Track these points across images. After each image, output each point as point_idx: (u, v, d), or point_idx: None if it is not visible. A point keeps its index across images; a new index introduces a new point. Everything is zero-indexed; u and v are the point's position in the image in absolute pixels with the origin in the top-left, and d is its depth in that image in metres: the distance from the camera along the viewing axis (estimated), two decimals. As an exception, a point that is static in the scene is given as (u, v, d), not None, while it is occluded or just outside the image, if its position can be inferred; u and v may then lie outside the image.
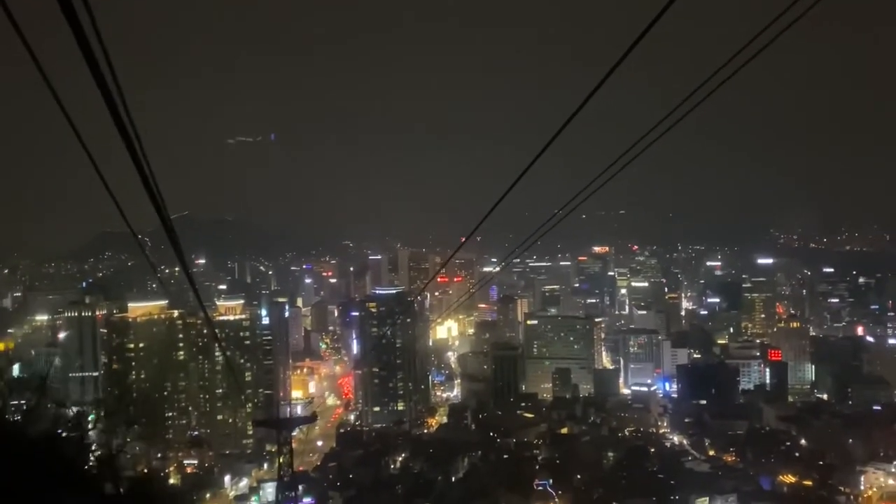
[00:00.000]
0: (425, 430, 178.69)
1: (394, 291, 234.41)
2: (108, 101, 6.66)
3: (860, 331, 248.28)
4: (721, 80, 9.93)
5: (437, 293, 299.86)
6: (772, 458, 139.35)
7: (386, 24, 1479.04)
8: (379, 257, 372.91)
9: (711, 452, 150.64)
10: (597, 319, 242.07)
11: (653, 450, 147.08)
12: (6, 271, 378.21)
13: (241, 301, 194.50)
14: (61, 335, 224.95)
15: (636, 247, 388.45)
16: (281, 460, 49.38)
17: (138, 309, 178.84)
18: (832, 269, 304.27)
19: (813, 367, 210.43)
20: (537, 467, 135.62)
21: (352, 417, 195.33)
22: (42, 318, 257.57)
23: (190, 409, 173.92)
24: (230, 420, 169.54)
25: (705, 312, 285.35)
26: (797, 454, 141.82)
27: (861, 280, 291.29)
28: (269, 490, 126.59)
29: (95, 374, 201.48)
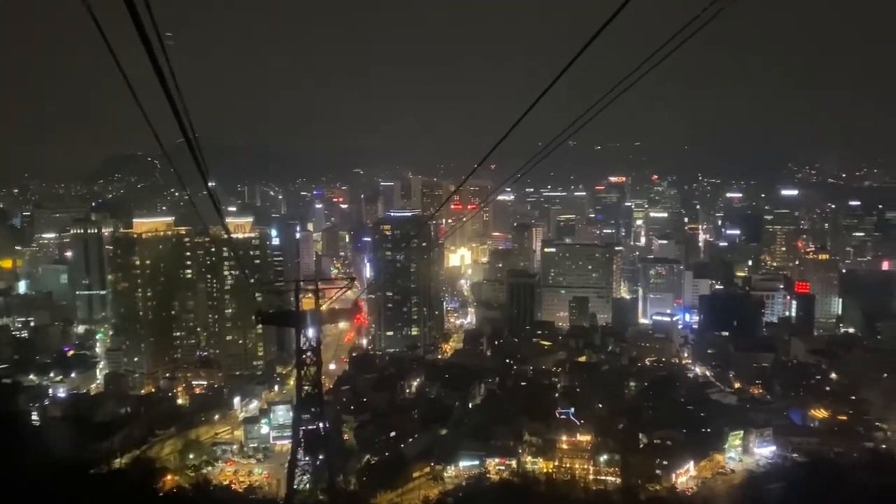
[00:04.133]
0: (440, 356, 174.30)
1: (409, 214, 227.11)
2: (136, 21, 6.94)
3: (886, 265, 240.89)
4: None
5: (450, 220, 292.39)
6: (801, 392, 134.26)
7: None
8: (391, 184, 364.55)
9: (737, 385, 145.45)
10: (616, 248, 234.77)
11: (676, 381, 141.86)
12: (16, 191, 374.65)
13: (251, 219, 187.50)
14: (68, 253, 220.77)
15: (656, 176, 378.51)
16: (304, 372, 38.05)
17: (143, 226, 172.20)
18: (858, 203, 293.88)
19: (840, 300, 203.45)
20: (557, 395, 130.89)
21: (364, 342, 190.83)
22: (49, 235, 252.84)
23: (199, 329, 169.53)
24: (240, 341, 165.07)
25: (725, 244, 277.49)
26: (828, 388, 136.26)
27: (888, 215, 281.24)
28: (280, 413, 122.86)
29: (103, 292, 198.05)
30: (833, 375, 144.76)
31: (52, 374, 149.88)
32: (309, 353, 37.17)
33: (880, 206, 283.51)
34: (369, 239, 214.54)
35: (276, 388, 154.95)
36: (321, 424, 38.96)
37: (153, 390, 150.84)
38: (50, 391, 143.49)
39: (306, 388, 37.44)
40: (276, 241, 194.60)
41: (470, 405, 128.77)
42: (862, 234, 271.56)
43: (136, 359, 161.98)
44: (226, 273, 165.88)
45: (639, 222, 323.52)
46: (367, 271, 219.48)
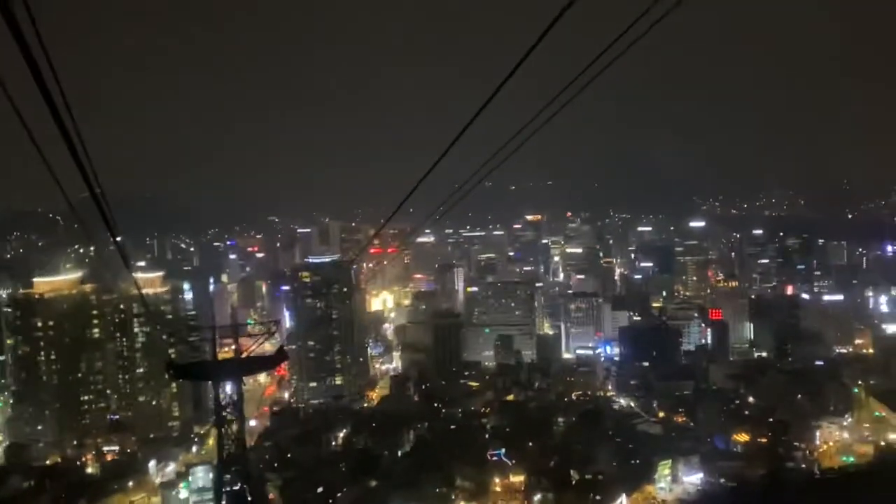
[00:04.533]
0: (366, 405, 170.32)
1: (328, 259, 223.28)
2: (35, 72, 6.69)
3: (790, 290, 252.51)
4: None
5: (371, 264, 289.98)
6: (722, 418, 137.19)
7: None
8: (308, 230, 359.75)
9: (661, 414, 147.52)
10: (537, 284, 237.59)
11: (603, 414, 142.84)
12: None
13: (161, 273, 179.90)
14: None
15: (570, 213, 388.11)
16: (224, 430, 33.59)
17: (45, 285, 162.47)
18: (760, 231, 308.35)
19: (751, 325, 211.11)
20: (487, 436, 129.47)
21: (286, 395, 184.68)
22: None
23: (108, 391, 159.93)
24: (154, 401, 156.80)
25: (639, 276, 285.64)
26: (747, 412, 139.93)
27: (789, 242, 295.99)
28: (200, 475, 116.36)
29: (1, 357, 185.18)
30: (751, 399, 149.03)
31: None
32: (229, 409, 33.30)
33: (781, 234, 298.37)
34: (287, 287, 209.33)
35: (195, 448, 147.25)
36: (244, 486, 35.17)
37: (60, 460, 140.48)
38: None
39: (227, 447, 33.14)
40: (189, 296, 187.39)
41: (399, 453, 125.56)
42: (766, 260, 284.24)
43: (39, 427, 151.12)
44: (136, 330, 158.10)
45: (556, 258, 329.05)
46: (287, 320, 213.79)
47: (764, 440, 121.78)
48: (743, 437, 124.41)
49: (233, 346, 35.54)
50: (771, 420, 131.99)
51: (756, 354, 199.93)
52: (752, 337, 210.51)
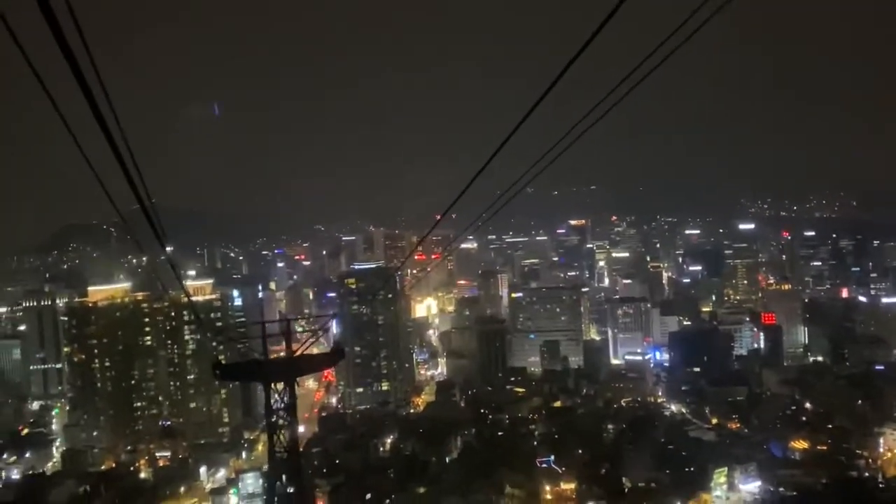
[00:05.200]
0: (412, 410, 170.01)
1: (373, 266, 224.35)
2: (85, 90, 7.07)
3: (845, 292, 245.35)
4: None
5: (415, 270, 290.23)
6: (778, 424, 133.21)
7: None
8: (353, 238, 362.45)
9: (714, 420, 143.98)
10: (583, 290, 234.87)
11: (654, 420, 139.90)
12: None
13: (211, 281, 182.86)
14: (22, 327, 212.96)
15: (615, 217, 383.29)
16: (276, 436, 30.63)
17: (99, 293, 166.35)
18: (812, 233, 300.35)
19: (805, 329, 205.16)
20: (536, 443, 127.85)
21: (333, 400, 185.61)
22: (1, 310, 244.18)
23: (160, 397, 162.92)
24: (204, 407, 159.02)
25: (687, 280, 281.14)
26: (804, 418, 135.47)
27: (842, 243, 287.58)
28: (250, 481, 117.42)
29: (58, 365, 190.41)
30: (807, 405, 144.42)
31: (4, 456, 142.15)
32: (281, 413, 30.30)
33: (834, 236, 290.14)
34: (334, 294, 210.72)
35: (244, 454, 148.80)
36: (298, 493, 33.69)
37: (114, 465, 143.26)
38: (3, 473, 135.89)
39: (279, 453, 30.86)
40: (238, 303, 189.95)
41: (447, 460, 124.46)
42: (819, 262, 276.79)
43: (94, 433, 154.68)
44: (187, 338, 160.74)
45: (601, 263, 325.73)
46: (334, 327, 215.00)
47: (823, 447, 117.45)
48: (801, 445, 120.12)
49: (283, 349, 34.67)
50: (830, 426, 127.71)
51: (811, 359, 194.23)
52: (807, 341, 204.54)
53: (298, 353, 31.35)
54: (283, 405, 30.42)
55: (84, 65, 7.18)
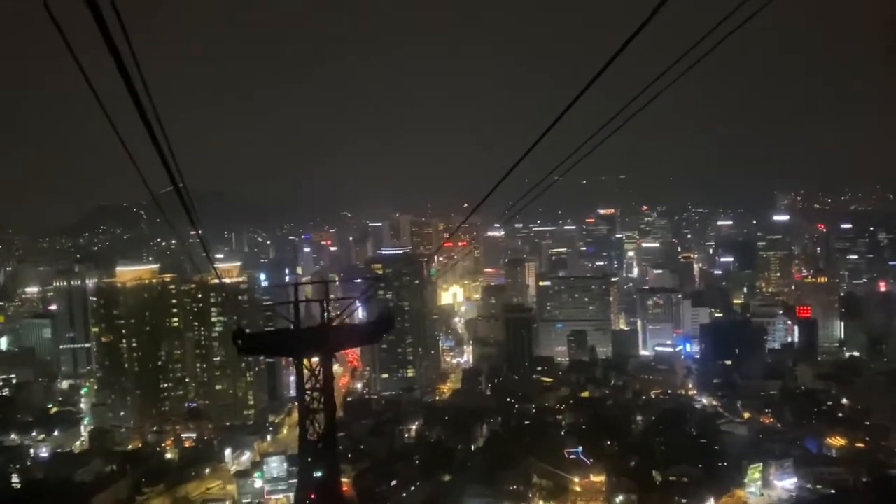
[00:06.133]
0: (438, 398, 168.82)
1: (400, 251, 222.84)
2: (123, 73, 7.23)
3: (882, 287, 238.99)
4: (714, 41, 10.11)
5: (441, 258, 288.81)
6: (813, 420, 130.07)
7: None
8: (379, 224, 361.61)
9: (746, 414, 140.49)
10: (612, 279, 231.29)
11: (685, 413, 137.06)
12: (0, 247, 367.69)
13: (239, 264, 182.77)
14: (52, 307, 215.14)
15: (646, 207, 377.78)
16: (310, 421, 24.61)
17: (127, 274, 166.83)
18: (850, 226, 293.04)
19: (841, 324, 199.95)
20: (563, 434, 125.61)
21: (359, 386, 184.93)
22: (33, 290, 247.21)
23: (186, 379, 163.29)
24: (230, 390, 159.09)
25: (719, 272, 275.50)
26: (840, 415, 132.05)
27: (880, 236, 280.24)
28: (274, 465, 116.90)
29: (87, 345, 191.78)
30: (844, 401, 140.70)
31: (34, 434, 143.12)
32: (315, 395, 24.48)
33: (871, 229, 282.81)
34: (360, 280, 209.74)
35: (269, 437, 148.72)
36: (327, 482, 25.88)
37: (140, 445, 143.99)
38: (32, 451, 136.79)
39: (311, 439, 24.98)
40: (265, 285, 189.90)
41: (473, 448, 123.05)
42: (856, 256, 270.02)
43: (122, 413, 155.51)
44: (214, 320, 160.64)
45: (630, 253, 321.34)
46: (360, 312, 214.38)
47: (861, 445, 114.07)
48: (837, 442, 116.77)
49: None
50: (867, 424, 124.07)
51: (847, 354, 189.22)
52: (843, 336, 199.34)
53: (337, 322, 26.06)
54: (317, 385, 24.84)
55: (122, 48, 7.28)
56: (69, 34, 8.31)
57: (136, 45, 8.03)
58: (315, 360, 24.03)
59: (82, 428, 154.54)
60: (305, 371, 24.57)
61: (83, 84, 9.56)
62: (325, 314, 25.61)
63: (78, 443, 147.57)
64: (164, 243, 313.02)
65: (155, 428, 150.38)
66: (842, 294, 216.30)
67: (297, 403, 29.29)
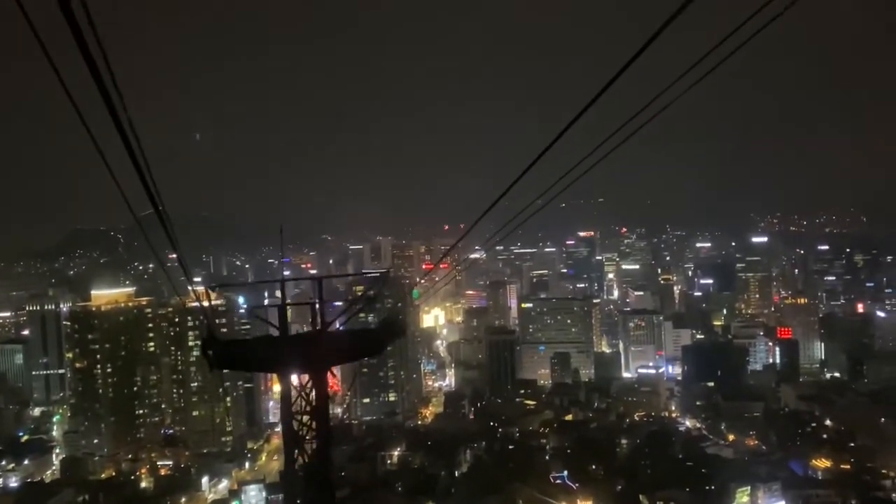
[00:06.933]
0: (420, 422, 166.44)
1: (382, 271, 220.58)
2: (104, 94, 6.77)
3: (860, 308, 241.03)
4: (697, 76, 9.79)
5: (422, 280, 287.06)
6: (798, 442, 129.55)
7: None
8: (360, 246, 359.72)
9: (731, 436, 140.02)
10: (593, 301, 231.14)
11: (669, 436, 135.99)
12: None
13: (217, 286, 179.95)
14: (25, 331, 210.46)
15: (625, 229, 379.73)
16: (302, 450, 17.01)
17: (102, 298, 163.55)
18: (827, 247, 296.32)
19: (822, 345, 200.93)
20: (548, 458, 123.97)
21: (339, 411, 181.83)
22: (5, 314, 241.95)
23: (163, 405, 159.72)
24: (208, 416, 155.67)
25: (699, 294, 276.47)
26: (825, 436, 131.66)
27: (856, 258, 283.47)
28: (253, 493, 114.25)
29: (61, 371, 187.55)
30: (828, 422, 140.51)
31: (3, 462, 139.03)
32: (306, 418, 17.63)
33: (848, 251, 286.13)
34: (340, 302, 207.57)
35: (247, 465, 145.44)
36: None
37: (114, 474, 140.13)
38: (1, 481, 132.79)
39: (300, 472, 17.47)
40: (243, 310, 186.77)
41: (457, 474, 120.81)
42: (833, 277, 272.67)
43: (95, 441, 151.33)
44: (191, 344, 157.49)
45: (610, 275, 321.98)
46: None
47: (847, 467, 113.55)
48: (823, 463, 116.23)
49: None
50: (852, 445, 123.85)
51: (828, 375, 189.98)
52: (824, 356, 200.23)
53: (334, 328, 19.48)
54: (307, 407, 17.81)
55: (101, 68, 6.81)
56: (51, 52, 7.72)
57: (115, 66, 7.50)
58: (305, 375, 17.83)
59: (54, 456, 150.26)
60: (293, 389, 17.88)
61: (61, 107, 8.92)
62: (320, 318, 19.29)
63: (49, 472, 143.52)
64: (140, 267, 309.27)
65: (130, 456, 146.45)
66: (821, 315, 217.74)
67: (281, 430, 22.51)
